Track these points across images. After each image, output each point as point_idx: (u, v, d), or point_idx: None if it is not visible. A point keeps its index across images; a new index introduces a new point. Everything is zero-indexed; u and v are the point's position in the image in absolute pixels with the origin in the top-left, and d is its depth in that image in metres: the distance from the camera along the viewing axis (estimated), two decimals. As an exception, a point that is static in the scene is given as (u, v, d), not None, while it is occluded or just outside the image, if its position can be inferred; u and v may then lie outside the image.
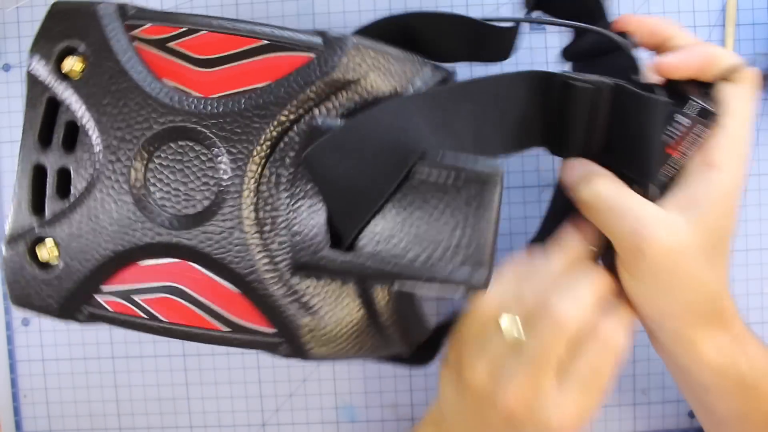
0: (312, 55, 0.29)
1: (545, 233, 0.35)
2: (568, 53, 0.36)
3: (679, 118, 0.30)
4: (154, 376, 0.44)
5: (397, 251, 0.28)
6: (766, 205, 0.43)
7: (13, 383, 0.44)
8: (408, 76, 0.30)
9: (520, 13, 0.35)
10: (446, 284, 0.28)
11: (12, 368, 0.44)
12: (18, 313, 0.44)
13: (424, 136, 0.28)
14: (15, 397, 0.44)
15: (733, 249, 0.43)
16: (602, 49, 0.32)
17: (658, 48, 0.33)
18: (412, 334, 0.32)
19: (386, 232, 0.28)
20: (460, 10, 0.42)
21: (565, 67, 0.36)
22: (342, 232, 0.28)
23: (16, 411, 0.44)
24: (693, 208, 0.29)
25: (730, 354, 0.31)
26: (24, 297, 0.31)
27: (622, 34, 0.32)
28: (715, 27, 0.42)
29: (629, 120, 0.30)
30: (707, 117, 0.30)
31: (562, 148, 0.33)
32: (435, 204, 0.28)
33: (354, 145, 0.27)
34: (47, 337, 0.44)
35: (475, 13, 0.42)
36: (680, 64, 0.31)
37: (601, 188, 0.30)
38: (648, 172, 0.30)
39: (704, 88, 0.31)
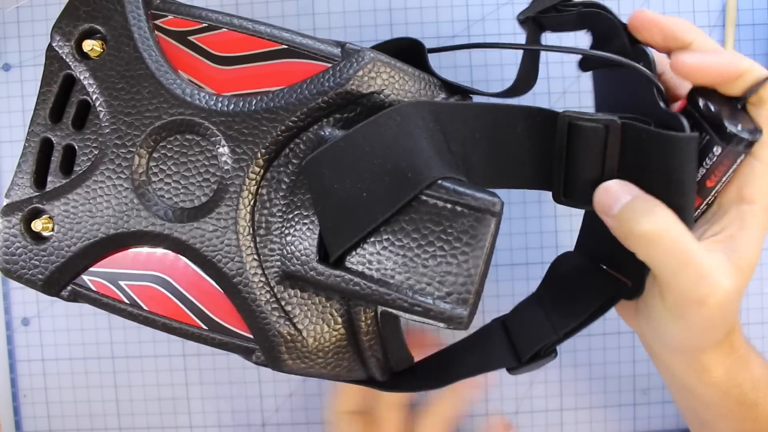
0: (328, 65, 0.29)
1: (584, 245, 0.34)
2: (585, 64, 0.34)
3: (716, 148, 0.27)
4: (154, 376, 0.44)
5: (384, 275, 0.27)
6: (766, 205, 0.43)
7: (13, 383, 0.44)
8: (419, 93, 0.30)
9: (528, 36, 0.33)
10: (424, 316, 0.27)
11: (12, 368, 0.44)
12: (18, 313, 0.44)
13: (426, 156, 0.27)
14: (15, 397, 0.44)
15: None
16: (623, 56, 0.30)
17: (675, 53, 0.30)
18: (391, 360, 0.32)
19: (375, 255, 0.28)
20: (459, 10, 0.42)
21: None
22: (329, 248, 0.28)
23: (16, 411, 0.44)
24: (734, 249, 0.28)
25: (735, 374, 0.31)
26: (12, 267, 0.31)
27: (641, 48, 0.29)
28: (715, 27, 0.42)
29: (651, 159, 0.28)
30: (744, 144, 0.27)
31: (567, 191, 0.31)
32: (428, 233, 0.27)
33: (353, 162, 0.27)
34: (47, 337, 0.44)
35: (475, 13, 0.42)
36: (703, 66, 0.28)
37: (667, 224, 0.27)
38: (686, 216, 0.27)
39: (734, 102, 0.28)
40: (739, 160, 0.28)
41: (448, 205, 0.27)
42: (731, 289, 0.27)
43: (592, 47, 0.33)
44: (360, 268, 0.28)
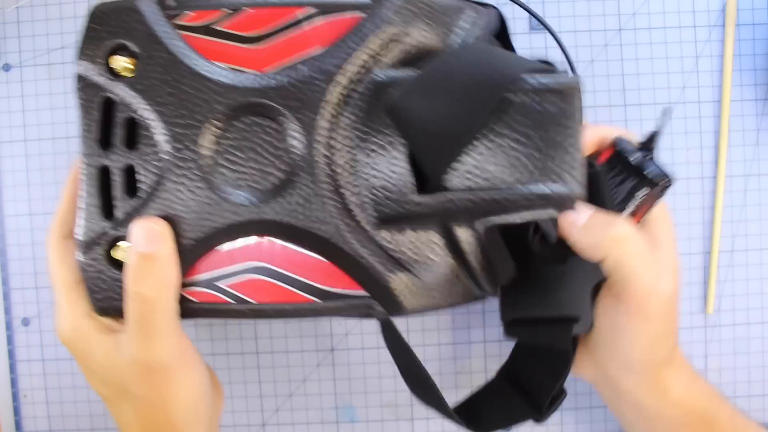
0: (362, 14, 0.29)
1: None
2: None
3: (643, 190, 0.31)
4: (154, 376, 0.44)
5: (488, 180, 0.28)
6: (765, 205, 0.43)
7: (13, 383, 0.44)
8: (452, 20, 0.30)
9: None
10: (539, 206, 0.28)
11: (12, 368, 0.44)
12: (18, 313, 0.44)
13: (507, 59, 0.29)
14: (15, 397, 0.44)
15: (734, 249, 0.43)
16: None
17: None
18: (499, 272, 0.32)
19: (475, 165, 0.28)
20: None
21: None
22: (430, 174, 0.28)
23: (16, 411, 0.44)
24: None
25: (692, 389, 0.33)
26: (107, 303, 0.30)
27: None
28: (715, 27, 0.42)
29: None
30: (663, 186, 0.31)
31: None
32: (520, 127, 0.28)
33: (442, 85, 0.28)
34: (47, 337, 0.44)
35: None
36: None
37: (632, 230, 0.31)
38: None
39: (643, 152, 0.32)
40: (656, 202, 0.32)
41: (533, 94, 0.28)
42: (674, 288, 0.31)
43: None
44: (464, 183, 0.28)
